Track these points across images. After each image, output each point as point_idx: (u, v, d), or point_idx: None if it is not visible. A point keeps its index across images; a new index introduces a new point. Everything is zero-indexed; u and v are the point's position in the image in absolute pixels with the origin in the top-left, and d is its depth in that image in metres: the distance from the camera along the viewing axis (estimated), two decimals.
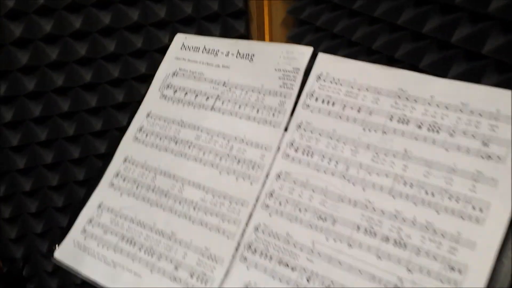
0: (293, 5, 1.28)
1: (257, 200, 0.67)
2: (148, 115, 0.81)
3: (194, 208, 0.71)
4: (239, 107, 0.74)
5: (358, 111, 0.66)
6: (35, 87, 1.20)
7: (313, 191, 0.65)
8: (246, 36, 1.34)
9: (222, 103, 0.75)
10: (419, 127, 0.61)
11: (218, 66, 0.78)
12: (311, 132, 0.67)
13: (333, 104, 0.67)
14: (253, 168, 0.69)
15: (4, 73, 1.17)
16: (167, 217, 0.72)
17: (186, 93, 0.79)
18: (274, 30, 1.34)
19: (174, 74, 0.82)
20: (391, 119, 0.63)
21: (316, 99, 0.69)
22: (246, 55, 0.76)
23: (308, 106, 0.69)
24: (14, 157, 1.26)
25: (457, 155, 0.58)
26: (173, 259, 0.69)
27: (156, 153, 0.77)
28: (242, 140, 0.72)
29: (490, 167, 0.56)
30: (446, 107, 0.61)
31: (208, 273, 0.66)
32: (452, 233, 0.56)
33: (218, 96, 0.76)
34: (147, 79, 1.29)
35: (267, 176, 0.68)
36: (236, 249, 0.66)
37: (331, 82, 0.68)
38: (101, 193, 0.79)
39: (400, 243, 0.58)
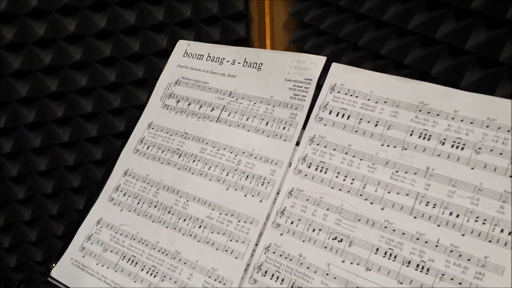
0: (296, 7, 1.24)
1: (267, 218, 0.64)
2: (149, 126, 0.77)
3: (199, 226, 0.67)
4: (247, 119, 0.70)
5: (376, 125, 0.62)
6: (28, 92, 1.16)
7: (328, 209, 0.61)
8: (246, 39, 1.30)
9: (229, 114, 0.72)
10: (442, 143, 0.58)
11: (223, 75, 0.74)
12: (325, 146, 0.64)
13: (348, 117, 0.64)
14: (262, 184, 0.65)
15: None
16: (171, 235, 0.68)
17: (189, 103, 0.75)
18: (276, 33, 1.30)
19: (176, 82, 0.78)
20: (411, 134, 0.60)
21: (330, 112, 0.65)
22: (254, 64, 0.73)
23: (321, 119, 0.65)
24: (7, 164, 1.21)
25: (484, 173, 0.55)
26: (178, 280, 0.65)
27: (158, 167, 0.73)
28: (251, 154, 0.68)
29: None
30: (471, 122, 0.57)
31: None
32: (479, 257, 0.53)
33: (224, 106, 0.72)
34: (144, 83, 1.25)
35: (277, 193, 0.64)
36: (245, 271, 0.62)
37: (346, 94, 0.65)
38: (100, 208, 0.75)
39: (422, 267, 0.55)
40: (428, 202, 0.56)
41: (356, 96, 0.64)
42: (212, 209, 0.67)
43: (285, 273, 0.60)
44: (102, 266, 0.70)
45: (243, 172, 0.67)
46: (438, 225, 0.55)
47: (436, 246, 0.55)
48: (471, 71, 0.86)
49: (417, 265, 0.55)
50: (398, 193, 0.58)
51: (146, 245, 0.69)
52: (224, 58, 0.76)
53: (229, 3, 1.26)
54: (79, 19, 1.14)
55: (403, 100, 0.61)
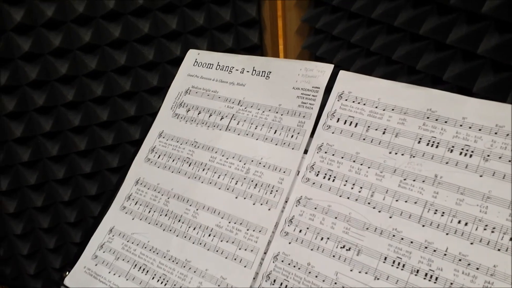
0: (308, 13, 1.24)
1: (275, 227, 0.64)
2: (160, 135, 0.78)
3: (209, 235, 0.67)
4: (256, 127, 0.70)
5: (384, 132, 0.62)
6: (44, 101, 1.18)
7: (336, 218, 0.61)
8: (259, 45, 1.31)
9: (238, 123, 0.72)
10: (450, 150, 0.57)
11: (232, 83, 0.75)
12: (333, 154, 0.64)
13: (356, 125, 0.63)
14: (271, 192, 0.66)
15: (13, 88, 1.15)
16: (181, 244, 0.68)
17: (199, 112, 0.76)
18: (288, 39, 1.30)
19: (186, 92, 0.79)
20: (419, 142, 0.59)
21: (338, 120, 0.65)
22: (262, 72, 0.73)
23: (329, 127, 0.65)
24: (25, 172, 1.24)
25: (492, 181, 0.54)
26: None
27: (169, 175, 0.74)
28: (259, 162, 0.68)
29: None
30: (480, 129, 0.57)
31: None
32: (488, 266, 0.52)
33: (233, 115, 0.73)
34: (159, 91, 1.26)
35: (286, 201, 0.64)
36: (254, 279, 0.62)
37: (353, 102, 0.65)
38: (113, 217, 0.76)
39: (431, 276, 0.54)
40: (436, 210, 0.56)
41: (364, 104, 0.64)
42: (222, 218, 0.67)
43: (294, 282, 0.60)
44: (114, 274, 0.71)
45: (252, 181, 0.67)
46: (447, 234, 0.55)
47: (445, 255, 0.54)
48: (483, 75, 0.85)
49: (426, 274, 0.54)
50: (406, 201, 0.58)
51: (157, 253, 0.69)
52: (233, 67, 0.76)
53: (241, 11, 1.26)
54: (94, 29, 1.16)
55: (410, 107, 0.61)
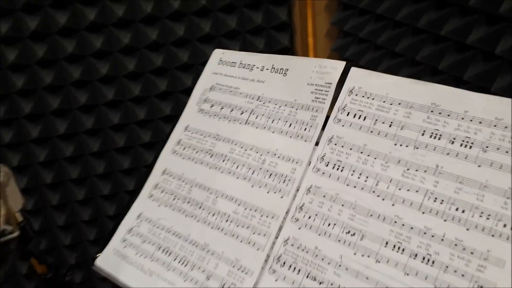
0: (337, 16, 1.28)
1: (287, 213, 0.68)
2: (186, 128, 0.83)
3: (226, 220, 0.72)
4: (272, 121, 0.75)
5: (390, 125, 0.65)
6: (86, 100, 1.26)
7: (342, 205, 0.64)
8: (290, 48, 1.35)
9: (256, 117, 0.77)
10: (452, 142, 0.60)
11: (253, 80, 0.80)
12: (342, 146, 0.67)
13: (365, 118, 0.67)
14: (284, 181, 0.70)
15: (58, 87, 1.24)
16: (201, 228, 0.73)
17: (222, 107, 0.81)
18: (318, 41, 1.34)
19: (211, 88, 0.84)
20: (423, 134, 0.62)
21: (348, 114, 0.68)
22: (280, 69, 0.77)
23: (339, 120, 0.69)
24: (68, 168, 1.32)
25: (490, 171, 0.57)
26: (205, 269, 0.70)
27: (193, 166, 0.79)
28: (274, 154, 0.72)
29: None
30: (480, 122, 0.59)
31: (238, 284, 0.67)
32: (482, 251, 0.55)
33: (252, 110, 0.77)
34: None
35: (297, 189, 0.69)
36: (266, 261, 0.67)
37: (363, 97, 0.68)
38: (141, 204, 0.81)
39: (428, 260, 0.57)
40: (436, 198, 0.59)
41: (373, 99, 0.67)
42: (238, 205, 0.72)
43: (302, 264, 0.64)
44: (140, 256, 0.76)
45: (267, 171, 0.72)
46: (445, 220, 0.58)
47: (442, 240, 0.57)
48: (501, 76, 0.87)
49: (423, 258, 0.57)
50: (408, 190, 0.61)
51: (179, 237, 0.75)
52: (254, 65, 0.81)
53: (273, 15, 1.31)
54: (133, 32, 1.23)
55: (416, 102, 0.64)
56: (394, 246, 0.60)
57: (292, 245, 0.66)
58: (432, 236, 0.58)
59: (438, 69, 0.98)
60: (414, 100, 0.64)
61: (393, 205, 0.61)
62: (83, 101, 1.25)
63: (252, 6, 1.30)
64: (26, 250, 0.73)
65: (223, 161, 0.76)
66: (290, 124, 0.73)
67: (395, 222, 0.60)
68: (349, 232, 0.63)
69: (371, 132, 0.66)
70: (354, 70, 0.71)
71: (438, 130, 0.62)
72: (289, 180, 0.69)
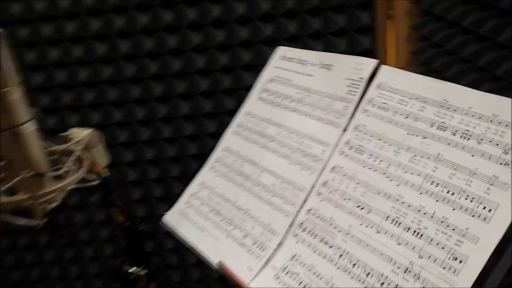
0: (416, 21, 1.34)
1: (312, 188, 0.79)
2: (246, 113, 0.97)
3: (266, 191, 0.85)
4: (314, 109, 0.86)
5: (406, 117, 0.74)
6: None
7: (358, 184, 0.74)
8: (371, 50, 1.43)
9: (302, 105, 0.88)
10: (454, 134, 0.68)
11: (304, 74, 0.91)
12: (365, 133, 0.77)
13: (387, 110, 0.76)
14: (314, 161, 0.81)
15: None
16: (246, 197, 0.87)
17: (276, 96, 0.93)
18: (399, 45, 1.41)
19: (271, 80, 0.97)
20: (431, 126, 0.70)
21: (373, 105, 0.78)
22: (326, 65, 0.88)
23: (366, 111, 0.79)
24: (146, 150, 1.52)
25: (480, 160, 0.64)
26: (244, 229, 0.84)
27: (247, 145, 0.93)
28: (311, 137, 0.84)
29: (506, 172, 0.61)
30: (479, 118, 0.66)
31: (266, 243, 0.79)
32: (462, 228, 0.62)
33: (300, 99, 0.89)
34: None
35: (323, 168, 0.79)
36: (291, 226, 0.79)
37: (387, 91, 0.77)
38: (204, 174, 0.97)
39: (417, 233, 0.66)
40: (433, 181, 0.67)
41: (395, 93, 0.76)
42: (276, 179, 0.84)
43: (318, 231, 0.75)
44: (197, 215, 0.92)
45: (303, 151, 0.83)
46: (437, 201, 0.66)
47: (432, 217, 0.65)
48: None
49: (414, 231, 0.66)
50: (412, 173, 0.70)
51: (229, 202, 0.89)
52: (306, 61, 0.92)
53: (356, 18, 1.40)
54: (204, 34, 1.39)
55: (430, 97, 0.72)
56: (393, 220, 0.69)
57: (313, 214, 0.77)
58: (424, 213, 0.66)
59: None
60: (429, 96, 0.73)
61: (397, 185, 0.70)
62: (158, 93, 1.46)
63: (337, 10, 1.40)
64: (107, 200, 0.92)
65: (271, 141, 0.89)
66: (327, 113, 0.84)
67: (397, 200, 0.69)
68: (359, 206, 0.73)
69: (390, 122, 0.75)
70: (384, 68, 0.80)
71: (444, 123, 0.69)
72: (318, 160, 0.81)
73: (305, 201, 0.79)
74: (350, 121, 0.80)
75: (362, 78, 0.81)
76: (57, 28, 1.41)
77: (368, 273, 0.68)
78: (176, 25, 1.40)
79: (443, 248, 0.63)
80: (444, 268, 0.61)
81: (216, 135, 0.98)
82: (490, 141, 0.64)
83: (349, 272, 0.69)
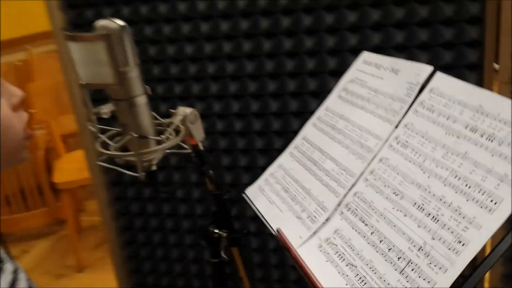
0: None
1: (361, 175, 0.91)
2: (325, 108, 1.11)
3: (326, 175, 0.98)
4: (377, 108, 0.97)
5: (447, 119, 0.82)
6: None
7: (397, 173, 0.85)
8: (478, 64, 1.45)
9: (369, 104, 1.00)
10: (481, 135, 0.76)
11: (376, 77, 1.02)
12: (412, 131, 0.87)
13: (433, 111, 0.85)
14: (367, 152, 0.92)
15: None
16: (311, 179, 1.01)
17: (351, 95, 1.06)
18: (504, 60, 1.43)
19: (351, 81, 1.09)
20: (466, 127, 0.79)
21: (423, 107, 0.87)
22: (395, 70, 0.99)
23: (416, 111, 0.88)
24: (255, 121, 1.70)
25: (497, 159, 0.72)
26: (303, 205, 0.98)
27: (320, 135, 1.06)
28: (370, 132, 0.95)
29: None
30: (505, 123, 0.74)
31: (317, 217, 0.93)
32: (470, 217, 0.71)
33: (368, 99, 1.01)
34: None
35: (373, 158, 0.91)
36: (339, 205, 0.91)
37: (437, 95, 0.86)
38: (283, 158, 1.12)
39: (435, 219, 0.75)
40: (456, 175, 0.76)
41: (443, 97, 0.85)
42: (336, 165, 0.97)
43: (360, 212, 0.87)
44: (271, 191, 1.07)
45: (361, 143, 0.95)
46: (455, 192, 0.74)
47: (449, 206, 0.74)
48: None
49: (433, 217, 0.75)
50: (441, 168, 0.79)
51: (296, 182, 1.03)
52: (381, 65, 1.03)
53: (464, 32, 1.44)
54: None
55: (469, 103, 0.80)
56: (418, 206, 0.78)
57: (358, 197, 0.89)
58: (444, 202, 0.75)
59: None
60: (468, 101, 0.81)
61: (428, 177, 0.80)
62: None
63: (445, 22, 1.45)
64: (200, 170, 1.11)
65: (339, 133, 1.02)
66: (387, 112, 0.94)
67: (425, 189, 0.79)
68: (395, 193, 0.83)
69: (433, 122, 0.84)
70: (438, 74, 0.89)
71: (477, 125, 0.77)
72: (371, 151, 0.92)
73: (353, 185, 0.91)
74: (402, 119, 0.90)
75: (418, 82, 0.91)
76: (175, 28, 1.63)
77: (390, 249, 0.78)
78: (293, 30, 1.54)
79: (452, 232, 0.72)
80: (449, 249, 0.70)
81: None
82: (508, 144, 0.71)
83: (376, 247, 0.81)
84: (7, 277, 0.78)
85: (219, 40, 1.60)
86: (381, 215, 0.83)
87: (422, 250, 0.74)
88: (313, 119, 1.12)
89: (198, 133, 1.08)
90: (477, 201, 0.71)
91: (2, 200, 3.33)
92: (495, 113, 0.76)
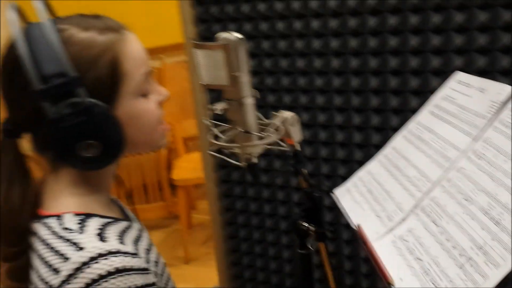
0: None
1: (439, 182, 0.99)
2: (416, 122, 1.20)
3: (407, 180, 1.07)
4: (460, 121, 1.05)
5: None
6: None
7: (470, 182, 0.93)
8: None
9: (455, 119, 1.08)
10: None
11: (465, 94, 1.10)
12: (489, 145, 0.94)
13: (508, 127, 0.92)
14: (447, 161, 1.01)
15: None
16: (393, 183, 1.11)
17: (440, 110, 1.14)
18: None
19: (443, 98, 1.17)
20: None
21: (502, 124, 0.94)
22: (482, 89, 1.06)
23: (496, 128, 0.95)
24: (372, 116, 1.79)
25: None
26: (384, 206, 1.08)
27: (407, 145, 1.16)
28: (452, 144, 1.03)
29: None
30: None
31: (394, 216, 1.02)
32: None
33: (454, 114, 1.09)
34: None
35: (450, 168, 0.99)
36: (415, 207, 1.00)
37: None
38: (372, 164, 1.23)
39: (497, 222, 0.82)
40: None
41: None
42: (417, 172, 1.06)
43: (433, 215, 0.96)
44: (357, 192, 1.18)
45: (441, 154, 1.03)
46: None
47: (510, 211, 0.82)
48: None
49: (496, 221, 0.83)
50: (509, 178, 0.86)
51: (380, 186, 1.14)
52: (470, 84, 1.11)
53: None
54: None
55: None
56: (485, 211, 0.86)
57: (433, 201, 0.98)
58: (507, 208, 0.83)
59: None
60: None
61: (498, 187, 0.87)
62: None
63: None
64: (296, 168, 1.25)
65: (424, 144, 1.11)
66: (470, 127, 1.02)
67: (493, 197, 0.86)
68: (466, 199, 0.91)
69: (508, 137, 0.91)
70: None
71: None
72: (449, 161, 1.00)
73: (430, 190, 1.00)
74: (482, 133, 0.98)
75: (500, 101, 0.98)
76: (290, 43, 1.78)
77: (454, 247, 0.87)
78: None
79: (498, 223, 0.79)
80: (505, 249, 0.78)
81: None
82: None
83: (442, 245, 0.89)
84: (134, 233, 0.97)
85: (327, 57, 1.74)
86: (451, 218, 0.91)
87: (481, 249, 0.82)
88: (404, 132, 1.22)
89: (296, 134, 1.22)
90: None
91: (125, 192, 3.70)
92: None
